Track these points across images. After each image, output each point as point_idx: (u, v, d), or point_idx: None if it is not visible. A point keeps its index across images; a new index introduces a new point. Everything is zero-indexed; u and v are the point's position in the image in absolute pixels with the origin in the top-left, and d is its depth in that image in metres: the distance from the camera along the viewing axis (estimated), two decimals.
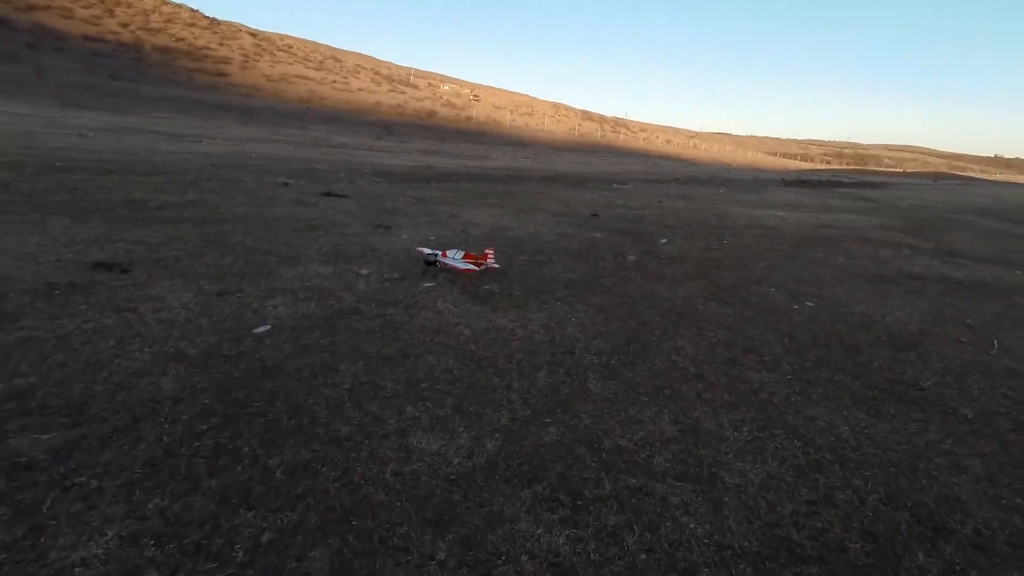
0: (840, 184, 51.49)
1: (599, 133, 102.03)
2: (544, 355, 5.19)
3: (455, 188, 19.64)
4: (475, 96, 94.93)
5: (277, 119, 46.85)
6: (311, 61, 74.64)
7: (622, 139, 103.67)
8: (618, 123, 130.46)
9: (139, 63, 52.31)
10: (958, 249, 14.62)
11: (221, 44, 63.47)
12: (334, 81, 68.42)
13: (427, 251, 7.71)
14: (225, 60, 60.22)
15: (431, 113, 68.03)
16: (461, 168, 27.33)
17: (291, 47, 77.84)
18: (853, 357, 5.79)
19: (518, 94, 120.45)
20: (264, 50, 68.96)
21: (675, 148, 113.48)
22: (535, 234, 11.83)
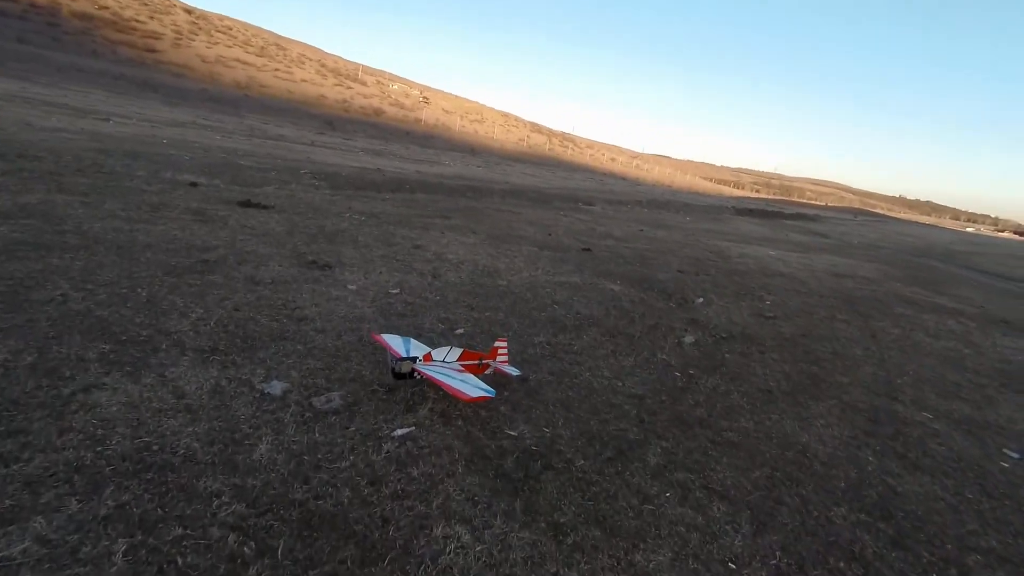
0: (782, 215, 51.89)
1: (547, 146, 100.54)
2: None
3: (410, 201, 16.18)
4: (424, 98, 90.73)
5: (211, 103, 41.09)
6: (252, 46, 68.13)
7: (569, 154, 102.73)
8: (566, 137, 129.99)
9: (54, 28, 45.07)
10: (1000, 314, 12.83)
11: (151, 18, 56.43)
12: (276, 69, 62.48)
13: (398, 353, 4.36)
14: (155, 35, 53.42)
15: (378, 112, 63.48)
16: (413, 174, 23.79)
17: (231, 28, 70.92)
18: None
19: (468, 100, 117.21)
20: (200, 29, 62.15)
21: (620, 167, 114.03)
22: (533, 283, 8.69)
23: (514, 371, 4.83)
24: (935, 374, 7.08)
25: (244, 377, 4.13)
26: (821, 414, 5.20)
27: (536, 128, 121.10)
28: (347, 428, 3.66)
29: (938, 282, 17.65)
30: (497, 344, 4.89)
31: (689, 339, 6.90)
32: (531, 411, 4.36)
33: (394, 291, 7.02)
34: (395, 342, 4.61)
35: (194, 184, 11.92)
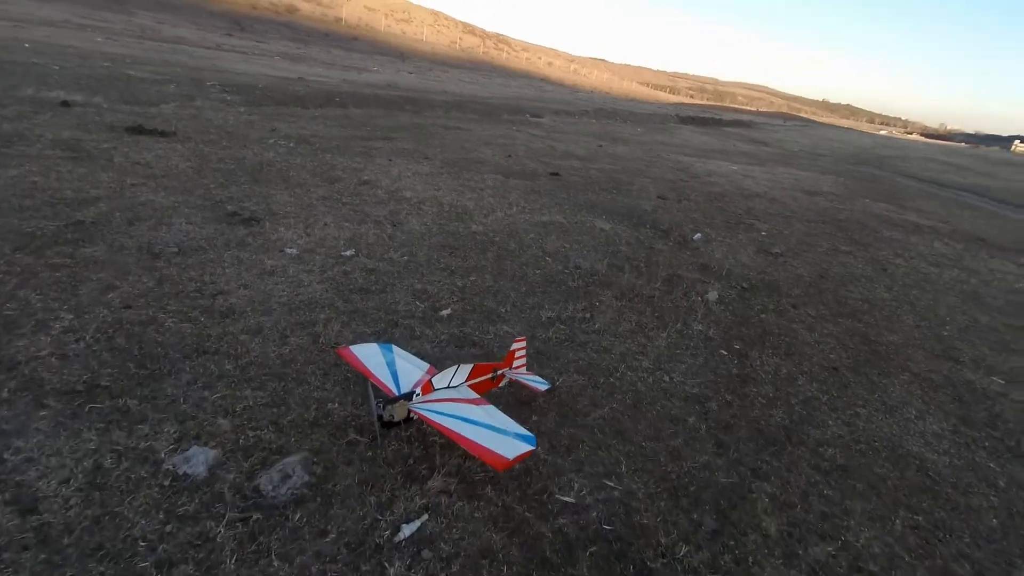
0: (721, 123, 51.43)
1: (481, 49, 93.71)
2: None
3: (344, 119, 13.80)
4: None
5: None
6: None
7: (504, 57, 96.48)
8: (500, 40, 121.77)
9: None
10: (968, 230, 12.64)
11: None
12: None
13: (388, 388, 2.93)
14: None
15: (292, 8, 55.58)
16: (341, 84, 20.73)
17: None
18: None
19: None
20: None
21: (557, 72, 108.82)
22: (512, 226, 7.23)
23: (540, 384, 3.54)
24: (967, 317, 6.44)
25: (142, 444, 2.62)
26: (903, 399, 4.31)
27: (468, 29, 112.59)
28: (323, 535, 2.30)
29: (895, 195, 17.51)
30: (514, 346, 3.55)
31: (712, 295, 5.80)
32: (578, 448, 3.13)
33: (348, 252, 5.41)
34: (374, 361, 3.16)
35: (66, 104, 9.24)
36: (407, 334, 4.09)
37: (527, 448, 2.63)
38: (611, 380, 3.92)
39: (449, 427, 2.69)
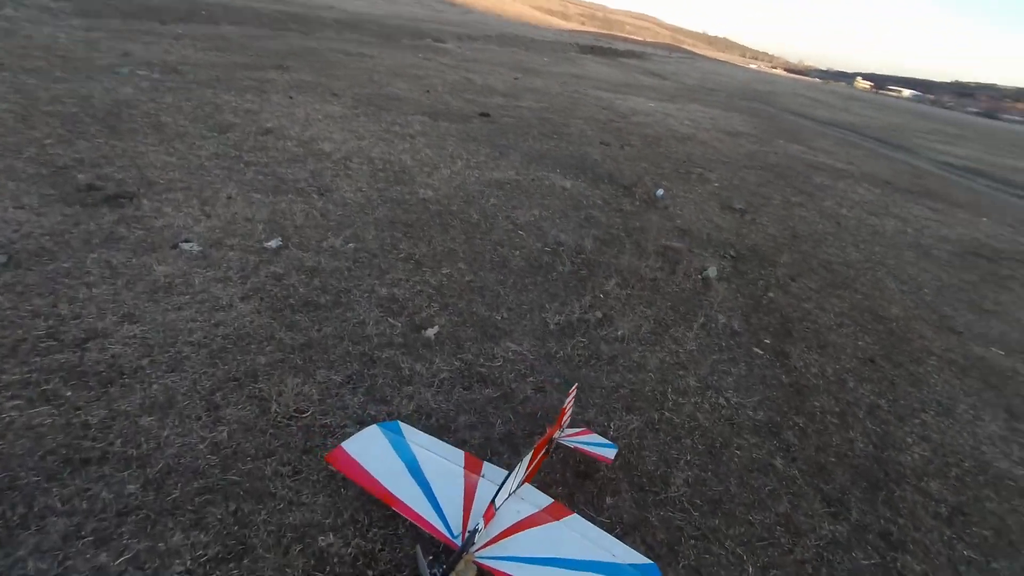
0: (617, 53, 51.13)
1: None
2: None
3: (218, 39, 11.15)
4: None
5: None
6: None
7: None
8: None
9: None
10: (872, 172, 13.15)
11: None
12: None
13: (445, 537, 1.83)
14: None
15: None
16: None
17: None
18: None
19: None
20: None
21: None
22: (465, 189, 5.99)
23: (605, 447, 2.59)
24: (932, 276, 6.38)
25: None
26: (949, 394, 3.95)
27: None
28: None
29: (798, 135, 18.04)
30: (567, 401, 2.55)
31: (711, 271, 5.12)
32: (682, 543, 2.28)
33: (272, 243, 3.96)
34: (386, 467, 2.04)
35: None
36: (393, 378, 2.93)
37: None
38: (665, 415, 3.09)
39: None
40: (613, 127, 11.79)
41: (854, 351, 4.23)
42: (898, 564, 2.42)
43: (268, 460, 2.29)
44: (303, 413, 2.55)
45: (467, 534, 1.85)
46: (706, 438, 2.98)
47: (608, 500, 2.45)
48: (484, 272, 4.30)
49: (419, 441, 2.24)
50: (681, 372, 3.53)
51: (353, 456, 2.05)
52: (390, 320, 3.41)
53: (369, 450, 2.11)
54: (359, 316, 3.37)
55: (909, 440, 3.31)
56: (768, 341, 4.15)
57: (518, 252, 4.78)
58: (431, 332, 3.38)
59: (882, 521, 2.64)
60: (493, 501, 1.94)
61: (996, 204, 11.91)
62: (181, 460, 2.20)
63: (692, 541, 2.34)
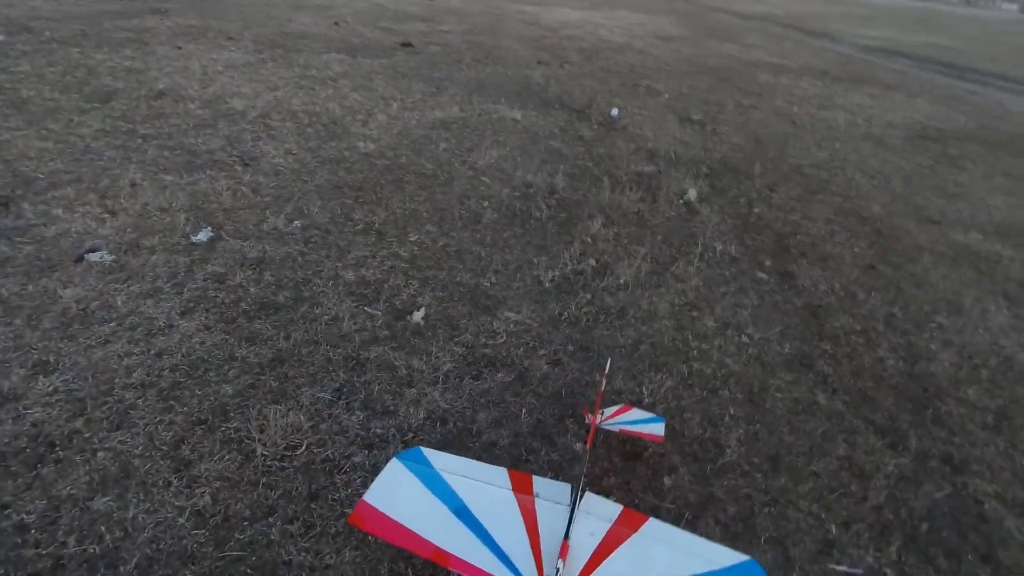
0: None
1: None
2: None
3: None
4: None
5: None
6: None
7: None
8: None
9: None
10: (809, 64, 13.03)
11: None
12: None
13: None
14: None
15: None
16: None
17: None
18: None
19: None
20: None
21: None
22: (409, 135, 5.32)
23: (652, 423, 2.30)
24: (892, 166, 6.31)
25: None
26: (954, 290, 3.87)
27: None
28: None
29: (726, 32, 17.64)
30: (603, 382, 2.21)
31: (691, 194, 4.80)
32: (756, 515, 2.06)
33: (201, 236, 3.29)
34: (427, 517, 1.65)
35: None
36: (390, 381, 2.49)
37: None
38: (694, 366, 2.83)
39: None
40: (546, 44, 10.97)
41: (853, 260, 4.09)
42: (970, 489, 2.32)
43: (270, 520, 1.85)
44: (296, 449, 2.10)
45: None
46: (742, 385, 2.75)
47: (666, 481, 2.19)
48: (457, 232, 3.81)
49: (452, 468, 1.85)
50: (695, 314, 3.26)
51: (382, 510, 1.65)
52: (367, 310, 2.91)
53: (398, 496, 1.71)
54: (330, 311, 2.86)
55: (933, 347, 3.22)
56: (769, 263, 3.94)
57: (487, 203, 4.27)
58: (418, 316, 2.92)
59: (939, 443, 2.54)
60: (567, 536, 1.61)
61: (922, 83, 12.11)
62: (160, 546, 1.73)
63: (765, 509, 2.13)
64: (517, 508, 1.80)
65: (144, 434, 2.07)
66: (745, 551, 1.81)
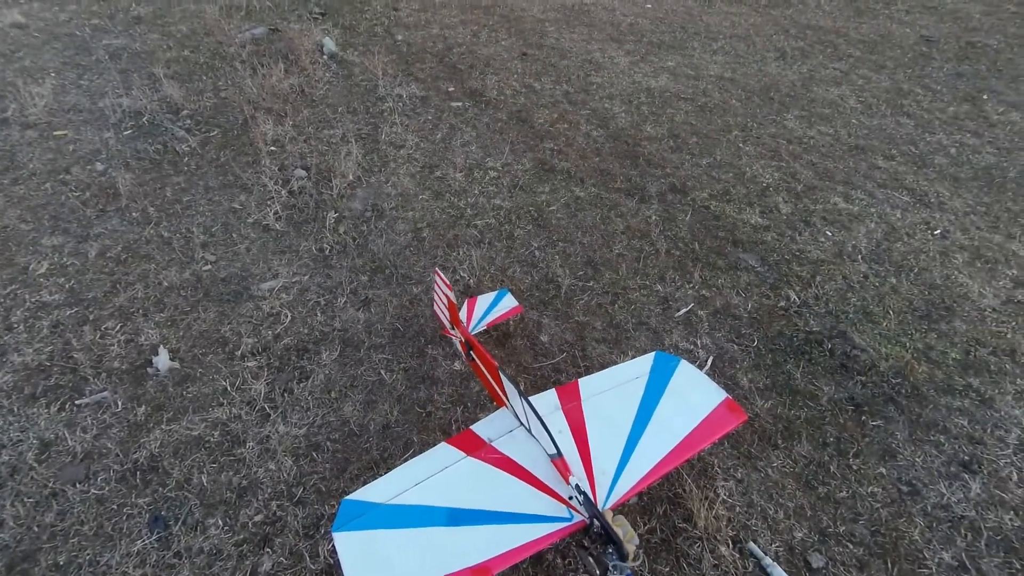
0: None
1: None
2: None
3: None
4: None
5: None
6: None
7: None
8: None
9: None
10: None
11: None
12: None
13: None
14: None
15: None
16: None
17: None
18: None
19: None
20: None
21: None
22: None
23: (502, 299, 2.24)
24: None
25: None
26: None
27: None
28: None
29: None
30: (437, 284, 2.03)
31: (328, 44, 4.14)
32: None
33: None
34: (420, 547, 1.46)
35: None
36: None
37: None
38: (475, 223, 2.79)
39: (651, 471, 1.63)
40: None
41: (508, 54, 4.28)
42: (698, 203, 3.02)
43: None
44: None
45: (575, 503, 1.54)
46: (522, 216, 2.86)
47: (544, 338, 2.29)
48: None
49: (397, 488, 1.62)
50: (438, 173, 3.11)
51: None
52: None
53: (376, 560, 1.44)
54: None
55: (607, 105, 3.78)
56: (452, 88, 3.84)
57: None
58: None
59: (663, 180, 3.16)
60: (556, 454, 1.60)
61: None
62: None
63: (615, 304, 2.44)
64: (488, 466, 1.69)
65: None
66: (632, 347, 2.14)
